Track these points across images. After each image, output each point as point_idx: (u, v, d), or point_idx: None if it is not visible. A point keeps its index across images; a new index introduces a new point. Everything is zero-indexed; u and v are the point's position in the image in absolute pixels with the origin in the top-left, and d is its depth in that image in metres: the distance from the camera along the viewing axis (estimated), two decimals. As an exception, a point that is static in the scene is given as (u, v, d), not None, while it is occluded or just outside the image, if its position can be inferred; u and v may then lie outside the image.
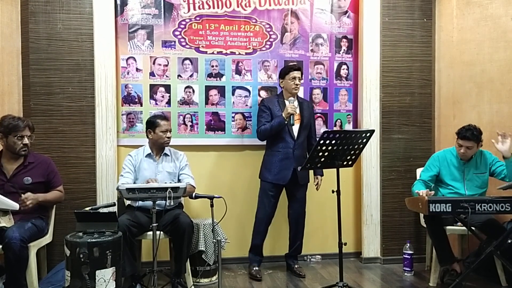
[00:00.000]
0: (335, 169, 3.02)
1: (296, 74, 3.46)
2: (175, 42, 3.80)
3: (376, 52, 3.93)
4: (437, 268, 3.28)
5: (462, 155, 3.32)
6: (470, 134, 3.23)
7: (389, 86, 3.94)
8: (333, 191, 3.02)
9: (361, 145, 3.05)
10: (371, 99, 3.94)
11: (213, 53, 3.86)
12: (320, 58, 4.04)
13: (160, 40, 3.78)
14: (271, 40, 3.94)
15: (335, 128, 4.06)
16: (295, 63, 3.69)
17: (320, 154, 2.93)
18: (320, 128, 4.03)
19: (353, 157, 3.10)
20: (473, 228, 3.11)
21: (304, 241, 3.98)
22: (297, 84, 3.46)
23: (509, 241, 3.14)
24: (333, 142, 2.89)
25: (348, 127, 4.10)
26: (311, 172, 3.66)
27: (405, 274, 3.61)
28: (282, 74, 3.53)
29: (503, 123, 3.68)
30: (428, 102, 4.00)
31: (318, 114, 4.05)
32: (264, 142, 3.62)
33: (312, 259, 3.99)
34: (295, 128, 3.49)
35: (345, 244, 3.02)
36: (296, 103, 3.45)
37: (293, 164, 3.44)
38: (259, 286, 3.35)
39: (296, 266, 3.63)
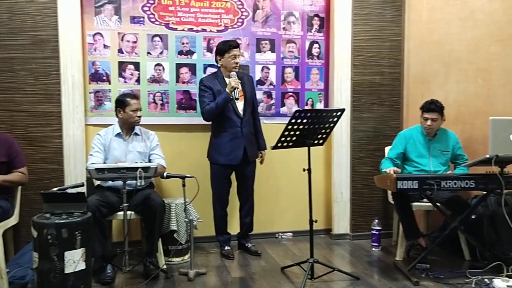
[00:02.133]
0: (307, 148, 3.05)
1: (236, 52, 3.38)
2: (144, 18, 3.69)
3: (348, 31, 3.93)
4: (403, 243, 3.39)
5: (428, 128, 3.41)
6: (434, 106, 3.37)
7: (359, 65, 3.97)
8: (304, 170, 3.04)
9: (332, 124, 3.07)
10: (342, 78, 3.96)
11: (183, 30, 3.78)
12: (292, 37, 4.01)
13: (129, 15, 3.66)
14: (242, 17, 3.88)
15: (306, 107, 4.07)
16: (234, 40, 3.58)
17: (292, 133, 2.94)
18: (292, 107, 4.03)
19: (324, 136, 3.13)
20: (438, 204, 3.21)
21: (276, 218, 4.04)
22: (236, 62, 3.39)
23: (473, 217, 3.28)
24: (305, 121, 2.90)
25: (320, 106, 4.12)
26: None
27: (373, 249, 3.71)
28: (221, 52, 3.40)
29: (469, 102, 3.78)
30: (398, 81, 4.05)
31: (290, 93, 4.05)
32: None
33: (283, 237, 4.05)
34: (240, 106, 3.43)
35: (316, 221, 3.07)
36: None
37: (243, 142, 3.41)
38: (230, 265, 3.38)
39: (250, 245, 3.64)
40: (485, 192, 3.11)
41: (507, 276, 2.90)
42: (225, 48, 3.40)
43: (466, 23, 3.76)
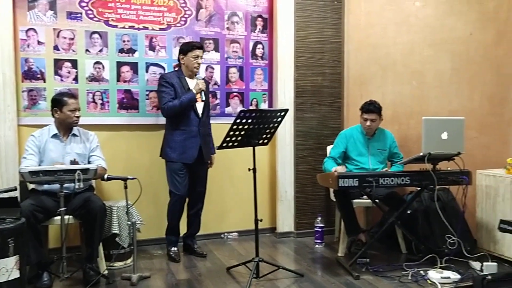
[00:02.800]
0: (252, 148, 3.06)
1: (199, 52, 3.39)
2: (81, 14, 3.54)
3: (291, 33, 4.00)
4: (345, 239, 3.50)
5: (368, 128, 3.54)
6: (372, 107, 3.51)
7: (302, 66, 4.05)
8: (249, 169, 3.06)
9: (276, 124, 3.11)
10: (286, 79, 4.03)
11: (124, 27, 3.67)
12: (236, 37, 4.02)
13: (65, 11, 3.50)
14: (186, 16, 3.83)
15: (251, 107, 4.10)
16: (198, 41, 3.64)
17: (237, 133, 2.95)
18: (237, 107, 4.04)
19: (268, 136, 3.16)
20: (377, 200, 3.35)
21: (221, 218, 4.03)
22: (198, 63, 3.39)
23: (408, 212, 3.45)
24: (249, 121, 2.92)
25: (264, 106, 4.16)
26: None
27: (317, 246, 3.80)
28: (184, 51, 3.40)
29: (404, 103, 3.97)
30: (338, 82, 4.18)
31: (235, 93, 4.06)
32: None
33: (229, 237, 4.05)
34: (200, 106, 3.42)
35: (261, 220, 3.09)
36: (191, 80, 3.41)
37: (199, 142, 3.40)
38: (175, 267, 3.33)
39: (196, 246, 3.61)
40: (419, 188, 3.28)
41: (440, 267, 3.07)
42: (189, 48, 3.39)
43: (401, 28, 3.95)
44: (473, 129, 3.62)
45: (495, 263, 3.06)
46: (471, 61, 3.75)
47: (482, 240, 3.45)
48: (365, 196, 3.43)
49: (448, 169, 3.18)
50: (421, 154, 3.02)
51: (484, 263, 3.04)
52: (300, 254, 3.63)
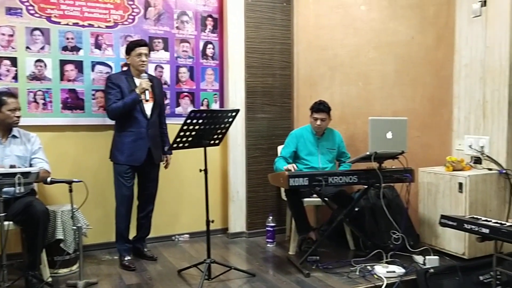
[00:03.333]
0: (203, 148, 3.04)
1: (142, 50, 3.30)
2: (21, 9, 3.37)
3: (241, 33, 4.01)
4: (296, 237, 3.55)
5: (318, 127, 3.62)
6: (322, 107, 3.59)
7: (253, 67, 4.06)
8: (200, 170, 3.03)
9: (228, 124, 3.11)
10: (237, 79, 4.03)
11: (68, 24, 3.52)
12: (186, 36, 3.97)
13: (4, 6, 3.31)
14: (133, 14, 3.74)
15: (202, 108, 4.07)
16: (141, 39, 3.55)
17: (188, 133, 2.91)
18: (188, 107, 4.00)
19: (220, 136, 3.15)
20: (326, 199, 3.43)
21: (172, 220, 3.97)
22: (143, 61, 3.31)
23: (356, 209, 3.55)
24: (200, 121, 2.89)
25: (215, 106, 4.14)
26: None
27: (268, 245, 3.83)
28: (128, 50, 3.33)
29: (351, 103, 4.09)
30: (288, 83, 4.23)
31: (185, 93, 4.01)
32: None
33: (180, 239, 3.99)
34: (148, 107, 3.34)
35: (213, 221, 3.08)
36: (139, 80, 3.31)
37: (147, 144, 3.32)
38: (125, 271, 3.24)
39: (146, 249, 3.53)
40: (366, 186, 3.39)
41: (386, 262, 3.19)
42: (132, 46, 3.32)
43: (348, 30, 4.06)
44: (415, 129, 3.80)
45: (437, 257, 3.22)
46: (413, 63, 3.92)
47: (425, 234, 3.62)
48: (315, 195, 3.49)
49: (393, 167, 3.31)
50: (368, 153, 3.12)
51: (427, 257, 3.19)
52: (252, 254, 3.64)
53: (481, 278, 3.02)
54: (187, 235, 4.03)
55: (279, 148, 3.95)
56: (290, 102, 4.25)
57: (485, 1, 3.52)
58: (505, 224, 2.40)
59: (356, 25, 4.04)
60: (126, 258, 3.36)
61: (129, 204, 3.39)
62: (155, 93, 3.40)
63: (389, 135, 3.14)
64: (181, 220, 4.03)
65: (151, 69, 3.82)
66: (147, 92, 3.25)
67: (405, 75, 3.95)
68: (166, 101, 3.92)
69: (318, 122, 3.60)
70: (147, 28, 3.80)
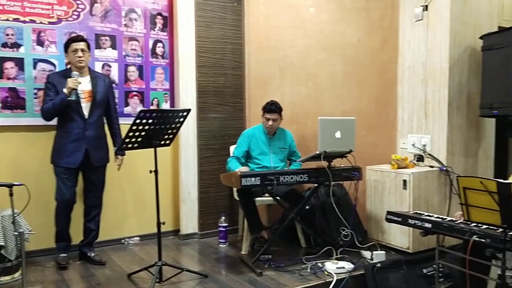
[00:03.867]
0: (153, 149, 2.98)
1: (77, 46, 3.19)
2: (-45, 2, 3.16)
3: (191, 32, 3.97)
4: (248, 237, 3.56)
5: (270, 127, 3.65)
6: (274, 107, 3.63)
7: (204, 66, 4.04)
8: (151, 171, 2.97)
9: (179, 124, 3.06)
10: (188, 79, 3.99)
11: (7, 19, 3.34)
12: (134, 34, 3.88)
13: None
14: (78, 10, 3.60)
15: (152, 107, 3.99)
16: (78, 34, 3.42)
17: (137, 133, 2.85)
18: (137, 107, 3.91)
19: (170, 136, 3.10)
20: (278, 198, 3.46)
21: (122, 223, 3.87)
22: (79, 57, 3.19)
23: (307, 208, 3.62)
24: (150, 121, 2.83)
25: (166, 106, 4.08)
26: (111, 152, 3.45)
27: (221, 245, 3.82)
28: (65, 47, 3.23)
29: (302, 103, 4.16)
30: (240, 83, 4.24)
31: (134, 93, 3.92)
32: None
33: (130, 242, 3.89)
34: (86, 106, 3.23)
35: (164, 223, 3.03)
36: (80, 78, 3.17)
37: (84, 145, 3.20)
38: (70, 277, 3.11)
39: (93, 254, 3.42)
40: (316, 185, 3.46)
41: (336, 258, 3.27)
42: (68, 42, 3.22)
43: (298, 31, 4.13)
44: (362, 128, 3.92)
45: (383, 252, 3.34)
46: (360, 65, 4.05)
47: (372, 230, 3.75)
48: (266, 194, 3.52)
49: (342, 166, 3.40)
50: (318, 152, 3.18)
51: (374, 252, 3.30)
52: (204, 255, 3.62)
53: (424, 271, 3.17)
54: (137, 238, 3.93)
55: (231, 148, 3.95)
56: (241, 102, 4.26)
57: (426, 6, 3.69)
58: (446, 218, 2.53)
59: (305, 27, 4.12)
60: (60, 255, 3.30)
61: (68, 207, 3.29)
62: (95, 91, 3.27)
63: (338, 134, 3.22)
64: (131, 223, 3.93)
65: (98, 67, 3.70)
66: (76, 91, 3.09)
67: (352, 76, 4.07)
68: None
69: (270, 123, 3.64)
70: (93, 25, 3.67)
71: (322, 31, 4.09)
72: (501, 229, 2.14)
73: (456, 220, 2.47)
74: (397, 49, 3.97)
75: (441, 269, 3.04)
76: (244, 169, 3.39)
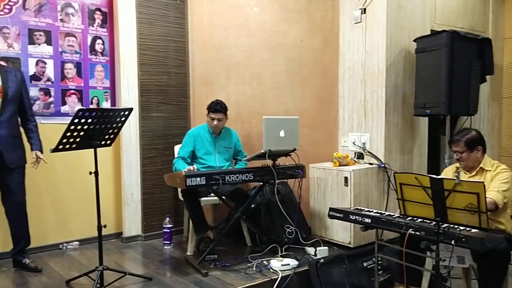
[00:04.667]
0: (93, 150, 2.87)
1: None
2: None
3: (133, 29, 3.86)
4: (193, 237, 3.53)
5: (215, 127, 3.63)
6: (219, 107, 3.61)
7: (146, 64, 3.94)
8: (91, 173, 2.86)
9: (120, 124, 2.97)
10: (129, 77, 3.87)
11: None
12: (71, 30, 3.72)
13: None
14: (10, 3, 3.40)
15: (91, 106, 3.84)
16: None
17: (75, 133, 2.73)
18: (75, 106, 3.75)
19: (111, 136, 3.00)
20: (223, 197, 3.46)
21: (60, 228, 3.71)
22: None
23: (253, 206, 3.64)
24: (90, 120, 2.72)
25: (106, 105, 3.94)
26: (28, 151, 3.22)
27: (165, 247, 3.75)
28: None
29: (246, 103, 4.18)
30: (184, 82, 4.18)
31: (72, 91, 3.75)
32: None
33: (68, 247, 3.72)
34: None
35: (105, 226, 2.92)
36: None
37: None
38: (3, 284, 2.93)
39: (28, 261, 3.23)
40: (261, 183, 3.49)
41: (281, 256, 3.32)
42: None
43: (242, 31, 4.14)
44: (305, 127, 4.00)
45: (326, 247, 3.43)
46: (303, 65, 4.13)
47: (316, 227, 3.84)
48: (212, 194, 3.51)
49: (286, 164, 3.45)
50: (263, 151, 3.21)
51: (318, 248, 3.38)
52: (148, 257, 3.53)
53: (365, 264, 3.30)
54: (77, 242, 3.77)
55: (176, 147, 3.89)
56: (186, 101, 4.21)
57: (364, 9, 3.83)
58: (384, 213, 2.64)
59: (249, 26, 4.13)
60: None
61: None
62: (6, 86, 3.04)
63: (282, 133, 3.27)
64: (70, 227, 3.77)
65: (31, 64, 3.51)
66: None
67: (295, 76, 4.14)
68: (50, 99, 3.63)
69: (215, 122, 3.62)
70: (26, 20, 3.48)
71: (265, 31, 4.12)
72: (434, 222, 2.27)
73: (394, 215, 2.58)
74: (337, 50, 4.10)
75: (380, 262, 3.18)
76: (192, 168, 3.34)
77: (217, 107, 3.61)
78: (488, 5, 4.65)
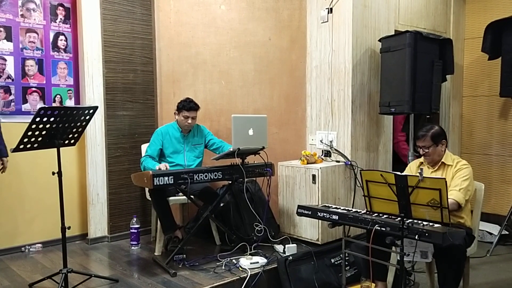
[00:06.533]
0: (56, 149, 2.78)
1: None
2: None
3: (97, 25, 3.77)
4: (161, 237, 3.49)
5: (189, 126, 3.61)
6: (193, 105, 3.59)
7: (112, 61, 3.86)
8: (53, 173, 2.78)
9: (84, 122, 2.89)
10: (94, 74, 3.78)
11: None
12: (32, 26, 3.59)
13: None
14: (-34, -4, 3.25)
15: (54, 104, 3.73)
16: None
17: (37, 132, 2.64)
18: (37, 104, 3.63)
19: (75, 135, 2.91)
20: (192, 196, 3.43)
21: (22, 230, 3.60)
22: None
23: (222, 205, 3.63)
24: (52, 119, 2.64)
25: (70, 103, 3.83)
26: None
27: (133, 248, 3.68)
28: None
29: (214, 101, 4.16)
30: (151, 79, 4.12)
31: (34, 89, 3.63)
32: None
33: (31, 249, 3.61)
34: None
35: (69, 227, 2.84)
36: None
37: None
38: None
39: None
40: (230, 182, 3.48)
41: (250, 254, 3.32)
42: None
43: (209, 29, 4.11)
44: (274, 126, 4.03)
45: (295, 245, 3.47)
46: (271, 64, 4.15)
47: (284, 224, 3.87)
48: (180, 193, 3.47)
49: (255, 162, 3.46)
50: (231, 149, 3.21)
51: (286, 246, 3.40)
52: (115, 259, 3.47)
53: (332, 260, 3.35)
54: (40, 245, 3.66)
55: (143, 146, 3.83)
56: (153, 99, 4.14)
57: (331, 8, 3.89)
58: (351, 210, 2.69)
59: (217, 24, 4.11)
60: None
61: None
62: None
63: (250, 131, 3.27)
64: (32, 229, 3.65)
65: (-10, 61, 3.38)
66: None
67: (263, 75, 4.16)
68: (10, 97, 3.51)
69: (189, 121, 3.58)
70: (-16, 14, 3.34)
71: (233, 29, 4.11)
72: (399, 218, 2.32)
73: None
74: (305, 49, 4.13)
75: (347, 258, 3.24)
76: (163, 166, 3.30)
77: (191, 105, 3.58)
78: (449, 7, 4.81)
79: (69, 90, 3.83)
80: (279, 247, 3.46)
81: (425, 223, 2.30)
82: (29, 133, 2.61)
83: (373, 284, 2.74)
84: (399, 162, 4.26)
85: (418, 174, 2.31)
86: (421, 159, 3.03)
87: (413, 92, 3.55)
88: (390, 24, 4.10)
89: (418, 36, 3.59)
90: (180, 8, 4.10)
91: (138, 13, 3.99)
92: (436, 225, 2.26)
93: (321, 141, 4.00)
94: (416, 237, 2.20)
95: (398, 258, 2.35)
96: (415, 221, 2.33)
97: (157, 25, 4.12)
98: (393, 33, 4.01)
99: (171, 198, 3.50)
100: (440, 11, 4.71)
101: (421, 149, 2.91)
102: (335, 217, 2.60)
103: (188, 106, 3.58)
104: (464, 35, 4.98)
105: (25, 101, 3.60)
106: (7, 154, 3.12)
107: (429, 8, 4.58)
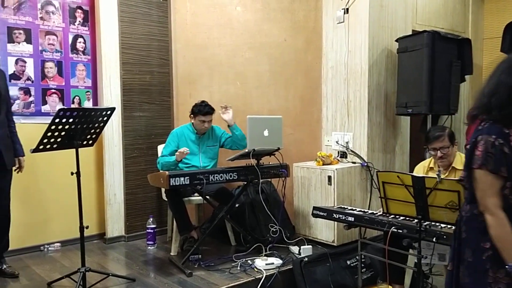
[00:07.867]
0: (74, 150, 2.83)
1: None
2: None
3: (115, 28, 3.82)
4: (177, 237, 3.51)
5: (205, 129, 3.63)
6: (209, 109, 3.59)
7: (129, 63, 3.90)
8: (72, 173, 2.82)
9: (102, 124, 2.93)
10: (111, 76, 3.83)
11: None
12: (52, 28, 3.66)
13: None
14: (-12, 0, 3.33)
15: (73, 106, 3.79)
16: None
17: (56, 133, 2.68)
18: (56, 105, 3.69)
19: (93, 136, 2.96)
20: (207, 197, 3.45)
21: (41, 229, 3.65)
22: None
23: (237, 205, 3.64)
24: (71, 120, 2.69)
25: (88, 104, 3.89)
26: None
27: (149, 248, 3.72)
28: None
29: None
30: (167, 81, 4.15)
31: (53, 90, 3.69)
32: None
33: (50, 248, 3.67)
34: None
35: (87, 227, 2.88)
36: None
37: None
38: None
39: (4, 266, 3.13)
40: (245, 183, 3.49)
41: (265, 255, 3.32)
42: None
43: (225, 30, 4.13)
44: (289, 127, 4.02)
45: (310, 246, 3.45)
46: (286, 64, 4.14)
47: (299, 226, 3.86)
48: (196, 194, 3.49)
49: (270, 163, 3.46)
50: (247, 150, 3.21)
51: (301, 247, 3.40)
52: (132, 258, 3.50)
53: (348, 262, 3.33)
54: (58, 244, 3.72)
55: (159, 147, 3.86)
56: (169, 100, 4.18)
57: (347, 9, 3.86)
58: (367, 212, 2.67)
59: (232, 25, 4.13)
60: None
61: None
62: None
63: (265, 132, 3.27)
64: (51, 228, 3.71)
65: (11, 63, 3.45)
66: None
67: (278, 76, 4.15)
68: (30, 99, 3.57)
69: (206, 125, 3.60)
70: (5, 18, 3.41)
71: (248, 30, 4.12)
72: (416, 220, 2.30)
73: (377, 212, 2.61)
74: (320, 49, 4.12)
75: (363, 260, 3.21)
76: (184, 149, 3.33)
77: (207, 110, 3.57)
78: (468, 6, 4.74)
79: (87, 91, 3.89)
80: (295, 248, 3.45)
81: (443, 225, 2.27)
82: (49, 133, 2.65)
83: (390, 287, 2.71)
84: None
85: (436, 176, 2.28)
86: (427, 163, 2.94)
87: (431, 93, 3.51)
88: (407, 24, 4.06)
89: (436, 36, 3.54)
90: (196, 10, 4.13)
91: (155, 15, 4.03)
92: (454, 228, 2.23)
93: (337, 142, 3.97)
94: (434, 240, 2.17)
95: (416, 261, 2.33)
96: (433, 223, 2.30)
97: (174, 27, 4.15)
98: (410, 33, 3.96)
99: (186, 198, 3.52)
100: (458, 10, 4.64)
101: (439, 151, 2.75)
102: (351, 218, 2.58)
103: (204, 110, 3.57)
104: (483, 35, 4.90)
105: (44, 102, 3.66)
106: (23, 153, 3.15)
107: (447, 8, 4.52)
